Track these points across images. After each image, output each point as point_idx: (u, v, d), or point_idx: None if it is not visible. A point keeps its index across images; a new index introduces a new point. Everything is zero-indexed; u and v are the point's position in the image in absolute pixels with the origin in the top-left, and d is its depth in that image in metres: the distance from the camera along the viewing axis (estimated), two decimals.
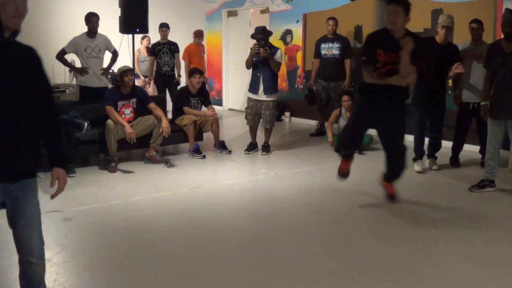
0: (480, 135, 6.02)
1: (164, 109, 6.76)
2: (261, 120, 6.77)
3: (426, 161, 6.00)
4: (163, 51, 8.42)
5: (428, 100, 5.76)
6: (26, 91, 2.31)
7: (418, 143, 5.92)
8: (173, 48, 8.53)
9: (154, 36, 8.51)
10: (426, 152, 6.08)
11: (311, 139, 7.95)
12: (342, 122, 7.03)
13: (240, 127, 8.60)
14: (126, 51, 7.76)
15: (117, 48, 7.04)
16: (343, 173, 4.73)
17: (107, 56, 6.93)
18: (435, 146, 6.01)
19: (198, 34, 9.08)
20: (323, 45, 7.89)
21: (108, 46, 6.85)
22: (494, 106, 4.93)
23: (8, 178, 2.31)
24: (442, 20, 5.67)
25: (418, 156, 5.96)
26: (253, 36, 6.61)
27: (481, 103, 5.16)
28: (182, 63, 8.85)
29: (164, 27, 8.47)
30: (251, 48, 6.56)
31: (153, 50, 8.46)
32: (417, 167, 5.89)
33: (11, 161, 2.28)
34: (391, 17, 4.06)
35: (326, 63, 7.85)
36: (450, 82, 6.13)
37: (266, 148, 6.86)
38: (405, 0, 4.07)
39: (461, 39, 6.91)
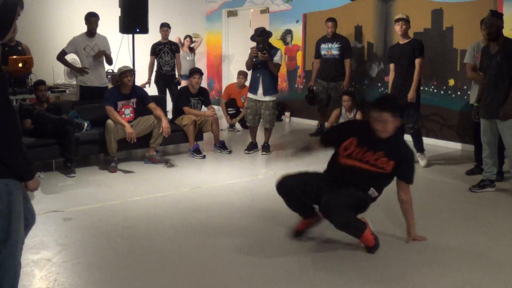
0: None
1: (164, 109, 6.76)
2: (261, 120, 6.77)
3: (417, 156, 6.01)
4: (163, 51, 8.42)
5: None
6: None
7: None
8: (174, 48, 8.54)
9: (154, 36, 8.50)
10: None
11: (311, 139, 7.94)
12: None
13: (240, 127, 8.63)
14: (126, 51, 7.76)
15: (116, 48, 7.02)
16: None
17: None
18: (416, 135, 6.00)
19: (241, 73, 8.55)
20: (322, 46, 7.89)
21: (106, 48, 6.82)
22: (482, 107, 4.98)
23: None
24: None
25: None
26: (252, 38, 6.59)
27: (474, 105, 5.20)
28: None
29: (165, 27, 8.48)
30: (251, 49, 6.56)
31: (154, 50, 8.46)
32: None
33: None
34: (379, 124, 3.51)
35: (326, 64, 7.85)
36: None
37: (266, 148, 6.86)
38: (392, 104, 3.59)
39: (461, 39, 6.92)
